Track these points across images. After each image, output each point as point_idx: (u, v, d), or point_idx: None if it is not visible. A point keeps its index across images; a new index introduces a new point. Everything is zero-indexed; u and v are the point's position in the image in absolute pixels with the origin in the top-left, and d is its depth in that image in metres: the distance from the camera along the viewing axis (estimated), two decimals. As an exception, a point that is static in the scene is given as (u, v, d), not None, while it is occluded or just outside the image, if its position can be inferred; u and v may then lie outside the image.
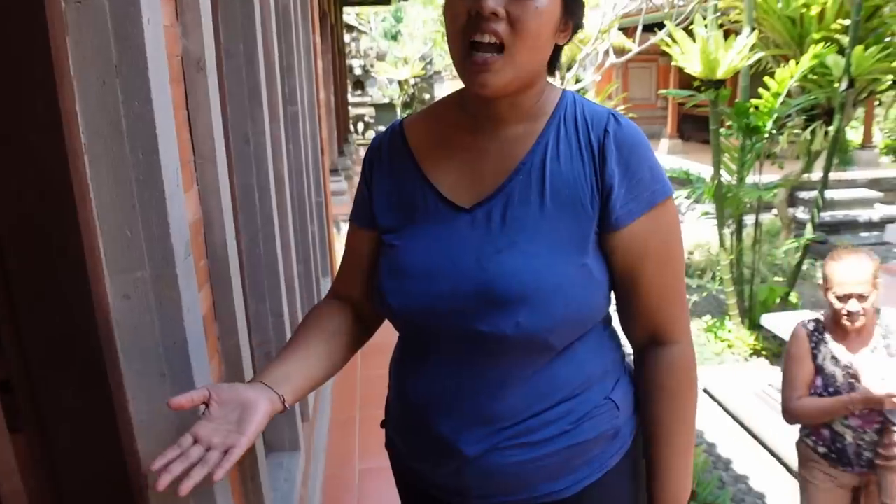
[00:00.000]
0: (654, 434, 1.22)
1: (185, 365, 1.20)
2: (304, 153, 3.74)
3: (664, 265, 1.16)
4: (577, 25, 1.12)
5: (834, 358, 2.39)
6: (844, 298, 2.30)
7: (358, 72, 20.08)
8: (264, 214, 2.23)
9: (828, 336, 2.42)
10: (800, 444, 2.58)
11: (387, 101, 21.49)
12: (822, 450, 2.47)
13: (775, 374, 4.88)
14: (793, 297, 5.85)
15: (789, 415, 2.45)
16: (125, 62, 1.05)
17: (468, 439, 1.14)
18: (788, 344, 2.51)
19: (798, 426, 2.58)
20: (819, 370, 2.40)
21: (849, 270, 2.29)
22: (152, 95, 1.08)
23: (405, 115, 1.31)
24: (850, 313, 2.30)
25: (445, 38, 1.12)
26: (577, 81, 6.87)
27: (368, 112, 20.05)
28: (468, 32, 1.02)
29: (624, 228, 1.11)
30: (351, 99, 18.59)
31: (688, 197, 6.09)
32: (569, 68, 6.85)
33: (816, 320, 2.48)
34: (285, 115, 3.12)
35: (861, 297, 2.28)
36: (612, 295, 1.21)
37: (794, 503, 3.44)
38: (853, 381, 2.32)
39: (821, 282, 2.43)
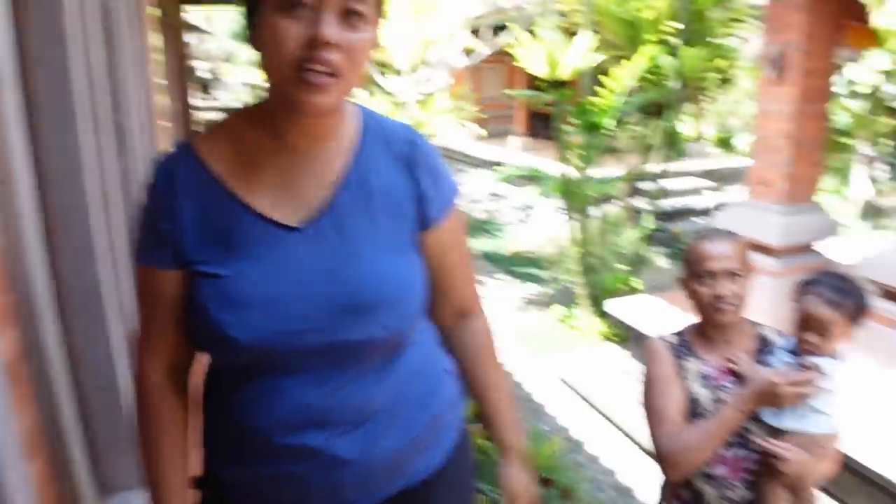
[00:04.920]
0: (486, 388, 1.43)
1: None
2: (136, 165, 3.50)
3: (463, 250, 1.38)
4: None
5: (703, 376, 1.81)
6: (713, 278, 1.77)
7: (205, 75, 19.29)
8: (88, 235, 2.05)
9: (694, 349, 1.86)
10: None
11: (238, 104, 20.76)
12: None
13: (625, 357, 5.11)
14: (638, 284, 6.17)
15: (668, 460, 1.75)
16: None
17: (345, 444, 1.16)
18: (648, 367, 1.88)
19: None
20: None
21: (716, 245, 1.79)
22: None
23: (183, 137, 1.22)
24: (719, 298, 1.76)
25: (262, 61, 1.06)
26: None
27: (217, 117, 19.33)
28: (300, 59, 1.00)
29: (439, 226, 1.26)
30: (198, 103, 17.82)
31: (540, 194, 6.28)
32: (413, 70, 6.89)
33: (678, 333, 1.92)
34: (113, 125, 2.91)
35: (733, 276, 1.77)
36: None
37: (643, 477, 3.66)
38: (721, 403, 1.76)
39: (679, 274, 1.90)
